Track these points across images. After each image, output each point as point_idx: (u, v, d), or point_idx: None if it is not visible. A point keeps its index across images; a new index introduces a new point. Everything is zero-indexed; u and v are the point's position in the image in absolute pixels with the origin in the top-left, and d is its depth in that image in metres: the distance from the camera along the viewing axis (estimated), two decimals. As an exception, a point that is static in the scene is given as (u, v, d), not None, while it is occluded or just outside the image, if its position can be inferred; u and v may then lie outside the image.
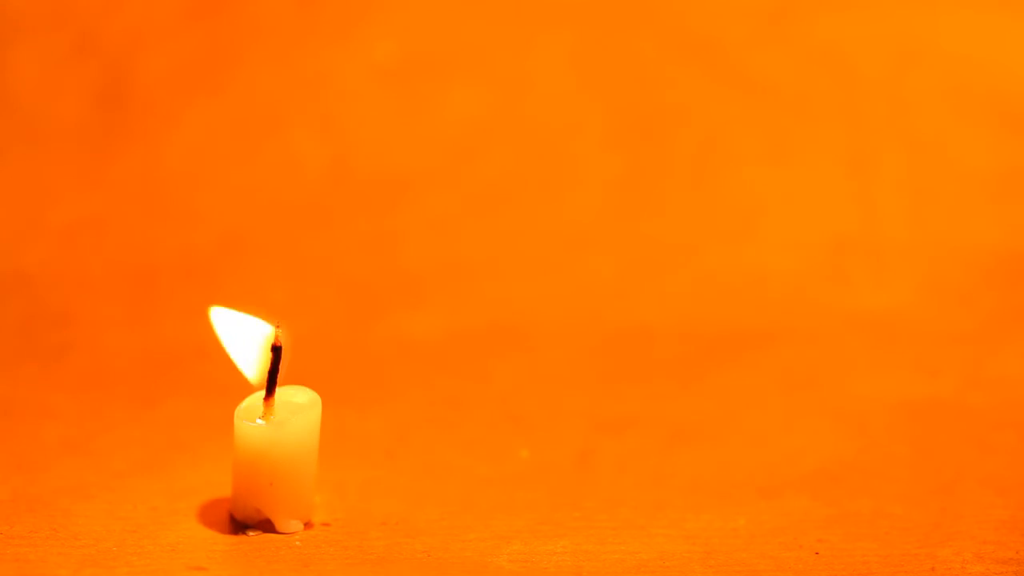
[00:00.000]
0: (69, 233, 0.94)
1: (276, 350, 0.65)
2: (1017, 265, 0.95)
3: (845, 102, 1.00)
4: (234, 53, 0.99)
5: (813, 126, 0.99)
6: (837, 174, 0.98)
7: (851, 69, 1.00)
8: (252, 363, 0.66)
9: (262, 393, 0.65)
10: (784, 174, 0.99)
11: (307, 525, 0.66)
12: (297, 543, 0.65)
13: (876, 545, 0.66)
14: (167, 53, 0.98)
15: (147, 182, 0.96)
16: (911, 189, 0.98)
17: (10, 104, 0.97)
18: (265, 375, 0.65)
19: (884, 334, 0.90)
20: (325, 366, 0.82)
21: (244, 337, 0.67)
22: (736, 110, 0.99)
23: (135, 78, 0.98)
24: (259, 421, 0.65)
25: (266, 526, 0.65)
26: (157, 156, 0.97)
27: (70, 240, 0.93)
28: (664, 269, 0.95)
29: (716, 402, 0.82)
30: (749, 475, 0.72)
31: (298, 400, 0.66)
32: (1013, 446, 0.77)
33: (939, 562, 0.64)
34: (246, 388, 0.67)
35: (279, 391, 0.65)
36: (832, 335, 0.90)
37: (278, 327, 0.66)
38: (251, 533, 0.65)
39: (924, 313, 0.92)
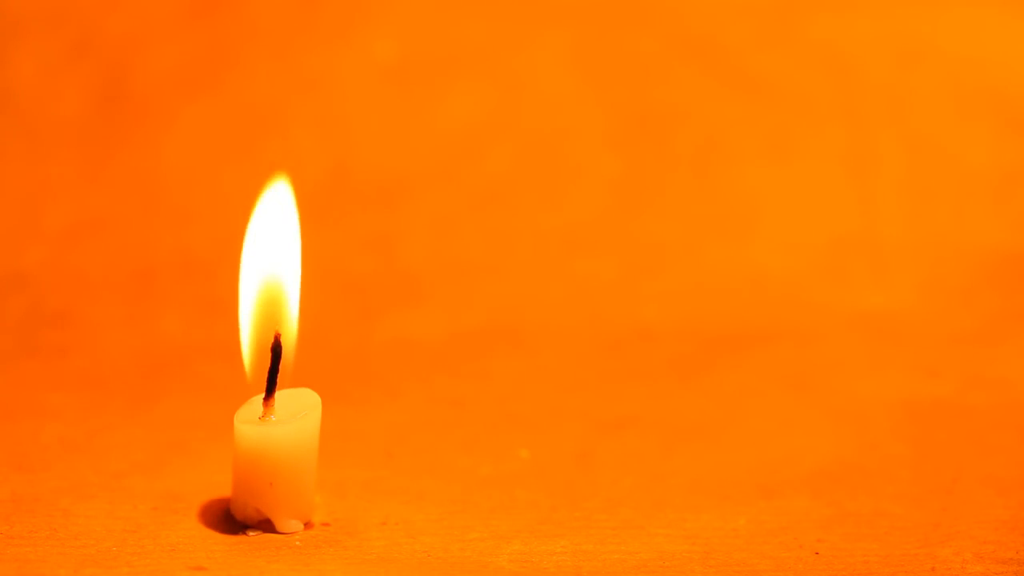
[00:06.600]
0: (69, 233, 0.94)
1: (276, 351, 0.65)
2: (1017, 265, 0.95)
3: (845, 102, 1.00)
4: (233, 53, 0.99)
5: (813, 126, 0.99)
6: (837, 174, 0.98)
7: (851, 69, 1.00)
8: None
9: (262, 395, 0.65)
10: (784, 174, 0.99)
11: (307, 525, 0.66)
12: (297, 543, 0.65)
13: (876, 545, 0.66)
14: (166, 53, 0.98)
15: (146, 182, 0.96)
16: (911, 189, 0.98)
17: (10, 104, 0.97)
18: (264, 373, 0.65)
19: (884, 334, 0.90)
20: (325, 366, 0.82)
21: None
22: (736, 110, 1.00)
23: (134, 78, 0.98)
24: (259, 422, 0.65)
25: (266, 526, 0.65)
26: (156, 156, 0.97)
27: (70, 240, 0.93)
28: (664, 269, 0.95)
29: (716, 402, 0.82)
30: (749, 475, 0.72)
31: (298, 401, 0.66)
32: (1013, 446, 0.77)
33: (939, 562, 0.64)
34: (246, 388, 0.67)
35: (279, 392, 0.65)
36: (832, 335, 0.90)
37: (277, 329, 0.66)
38: (251, 533, 0.65)
39: (924, 313, 0.92)
